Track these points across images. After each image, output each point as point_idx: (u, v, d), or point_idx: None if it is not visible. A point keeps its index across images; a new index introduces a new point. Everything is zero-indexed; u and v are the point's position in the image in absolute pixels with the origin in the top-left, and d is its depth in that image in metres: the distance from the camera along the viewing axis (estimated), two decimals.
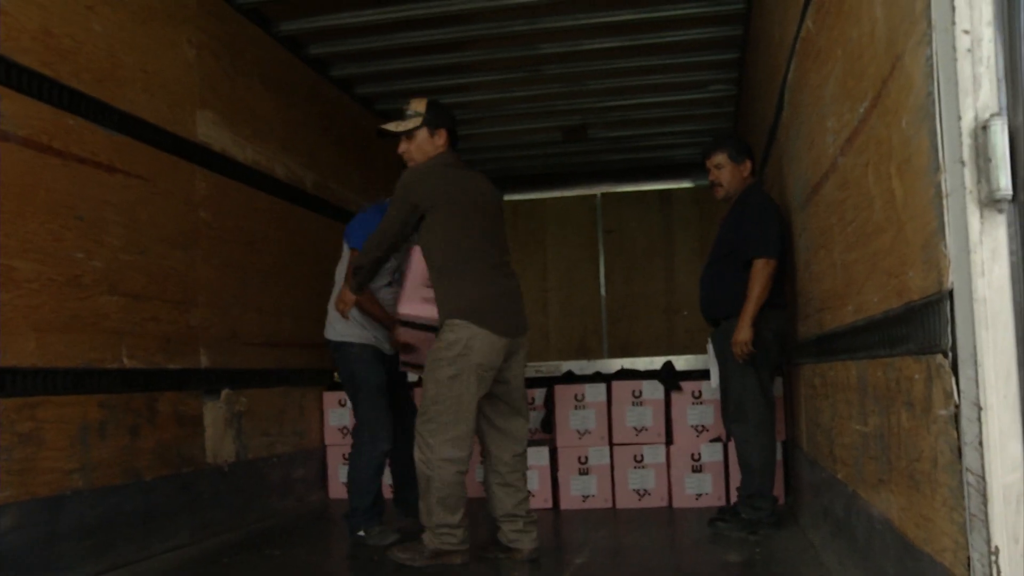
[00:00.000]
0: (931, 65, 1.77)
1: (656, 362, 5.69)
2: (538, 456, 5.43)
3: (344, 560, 4.39)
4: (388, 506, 4.82)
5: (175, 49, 4.69)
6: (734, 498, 5.02)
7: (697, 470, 5.34)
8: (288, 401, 5.72)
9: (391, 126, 4.05)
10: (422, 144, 4.02)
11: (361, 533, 4.52)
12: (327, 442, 6.12)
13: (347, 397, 4.86)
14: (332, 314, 4.67)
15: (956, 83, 1.67)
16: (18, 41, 3.58)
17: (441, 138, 4.04)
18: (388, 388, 4.64)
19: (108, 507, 3.94)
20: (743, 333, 4.23)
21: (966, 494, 1.72)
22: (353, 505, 4.56)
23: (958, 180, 1.70)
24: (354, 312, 4.56)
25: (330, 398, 6.13)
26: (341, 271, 4.68)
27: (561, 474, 5.43)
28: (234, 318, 5.13)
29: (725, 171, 4.54)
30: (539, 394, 5.87)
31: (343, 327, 4.60)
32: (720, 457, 5.31)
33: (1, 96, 3.48)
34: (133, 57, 4.30)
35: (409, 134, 4.02)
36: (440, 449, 3.78)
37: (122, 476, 4.05)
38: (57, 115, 3.77)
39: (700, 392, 5.36)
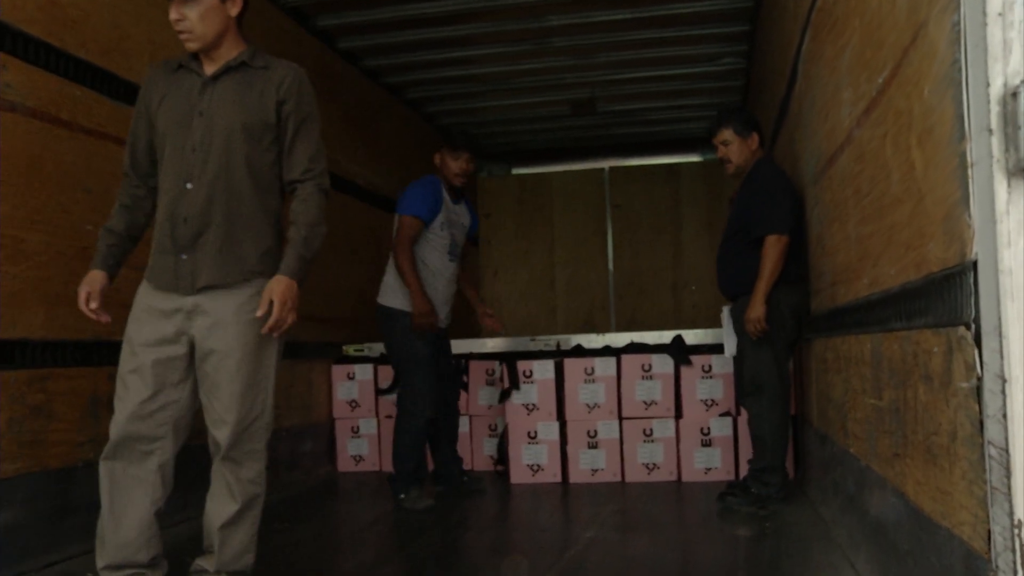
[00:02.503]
0: (958, 31, 1.74)
1: (665, 336, 5.66)
2: (547, 430, 5.43)
3: (351, 534, 4.40)
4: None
5: None
6: (743, 472, 5.03)
7: (706, 444, 5.34)
8: (295, 374, 5.72)
9: None
10: (211, 14, 2.83)
11: (402, 496, 4.71)
12: (335, 416, 6.12)
13: (392, 366, 5.06)
14: (393, 283, 4.81)
15: (985, 49, 1.64)
16: (24, 10, 3.55)
17: (237, 7, 2.90)
18: (435, 360, 4.83)
19: None
20: (755, 311, 4.23)
21: (987, 467, 1.70)
22: (396, 470, 4.78)
23: (984, 149, 1.66)
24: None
25: (339, 371, 6.12)
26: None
27: (570, 448, 5.43)
28: None
29: (733, 147, 4.51)
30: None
31: (404, 298, 4.72)
32: (729, 431, 5.31)
33: (8, 66, 3.45)
34: (140, 28, 4.26)
35: None
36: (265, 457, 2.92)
37: None
38: (64, 86, 3.74)
39: (710, 366, 5.35)
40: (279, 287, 2.79)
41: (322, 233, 2.93)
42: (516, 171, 10.54)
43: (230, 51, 2.91)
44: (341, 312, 6.26)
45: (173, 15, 2.82)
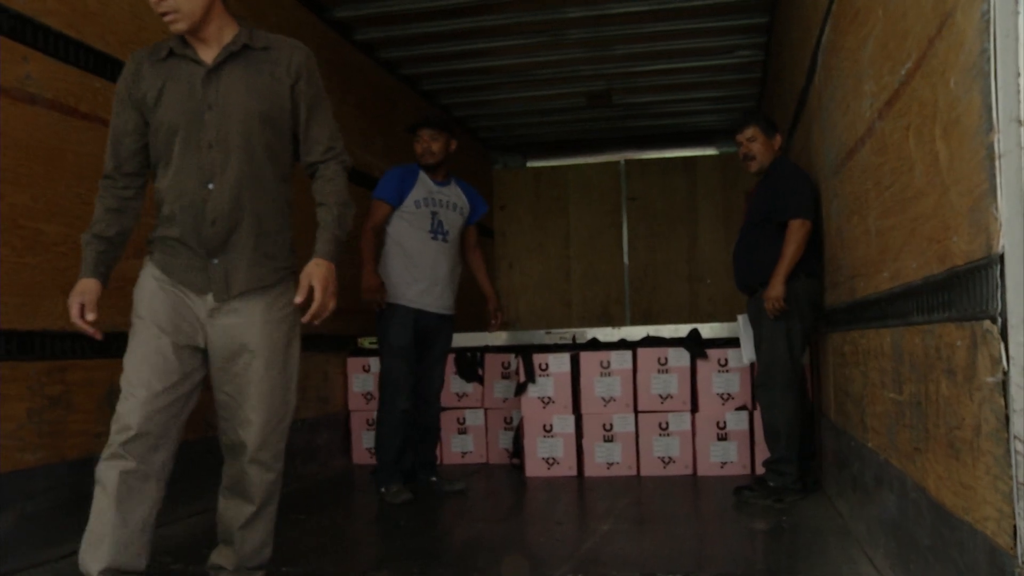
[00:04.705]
0: (987, 20, 1.72)
1: (681, 329, 5.65)
2: (563, 423, 5.43)
3: (367, 525, 4.41)
4: None
5: None
6: (758, 467, 5.02)
7: (722, 438, 5.32)
8: (311, 366, 5.72)
9: None
10: None
11: (383, 489, 4.68)
12: (351, 408, 6.13)
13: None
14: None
15: (1016, 38, 1.62)
16: (44, 2, 3.56)
17: None
18: (416, 349, 4.72)
19: None
20: (775, 289, 4.27)
21: (1014, 462, 1.68)
22: (378, 461, 4.77)
23: (1013, 140, 1.65)
24: (393, 271, 4.71)
25: (354, 364, 6.13)
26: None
27: (586, 441, 5.42)
28: None
29: (757, 144, 4.61)
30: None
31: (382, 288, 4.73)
32: (746, 425, 5.29)
33: (28, 58, 3.46)
34: (158, 18, 4.23)
35: None
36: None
37: None
38: (83, 77, 3.75)
39: (726, 360, 5.33)
40: (319, 271, 2.64)
41: (352, 212, 2.80)
42: (531, 163, 10.53)
43: (220, 29, 2.68)
44: (356, 304, 6.26)
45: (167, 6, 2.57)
